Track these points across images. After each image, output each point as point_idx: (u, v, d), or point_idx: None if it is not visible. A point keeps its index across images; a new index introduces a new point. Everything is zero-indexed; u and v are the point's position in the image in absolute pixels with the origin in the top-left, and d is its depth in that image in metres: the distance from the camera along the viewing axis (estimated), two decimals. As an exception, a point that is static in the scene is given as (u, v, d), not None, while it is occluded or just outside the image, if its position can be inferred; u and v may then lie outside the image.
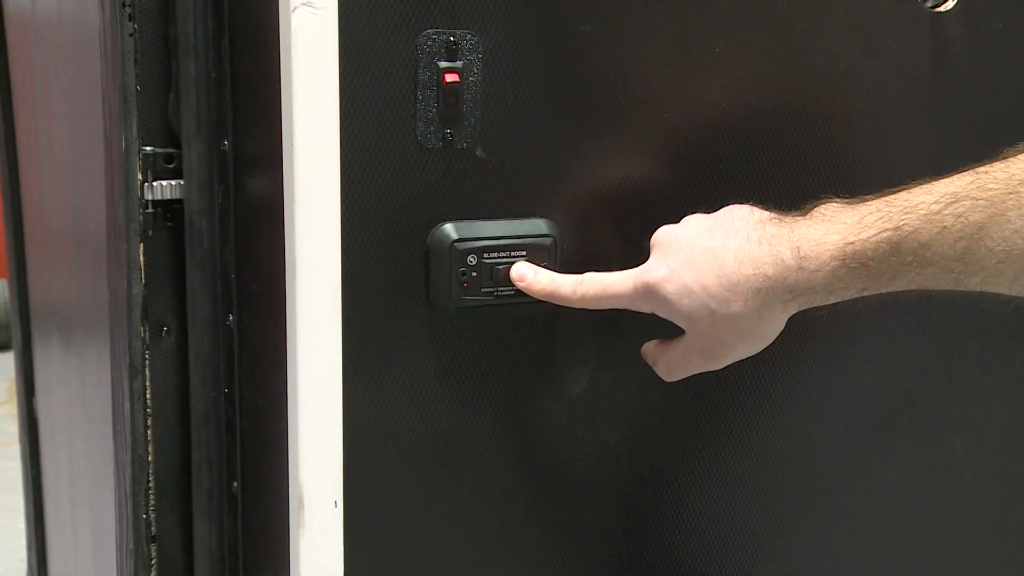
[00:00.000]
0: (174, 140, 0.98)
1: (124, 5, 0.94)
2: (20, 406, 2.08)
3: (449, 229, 0.90)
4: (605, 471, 1.01)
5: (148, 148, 0.97)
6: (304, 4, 0.81)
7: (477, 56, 0.88)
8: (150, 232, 0.98)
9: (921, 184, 0.76)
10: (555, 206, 0.94)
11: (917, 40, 1.03)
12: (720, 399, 1.04)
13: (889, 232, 0.75)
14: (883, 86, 1.03)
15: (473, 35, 0.88)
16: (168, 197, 0.98)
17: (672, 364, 0.90)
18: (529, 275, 0.91)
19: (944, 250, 0.74)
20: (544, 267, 0.92)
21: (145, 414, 1.00)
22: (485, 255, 0.91)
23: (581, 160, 0.94)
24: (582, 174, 0.94)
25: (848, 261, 0.77)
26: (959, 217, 0.73)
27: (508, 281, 0.91)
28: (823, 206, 0.81)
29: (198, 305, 0.98)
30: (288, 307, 0.86)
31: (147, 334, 1.00)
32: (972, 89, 1.07)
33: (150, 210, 0.98)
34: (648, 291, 0.85)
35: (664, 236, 0.87)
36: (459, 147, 0.89)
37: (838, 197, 0.81)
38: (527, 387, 0.96)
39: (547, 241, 0.93)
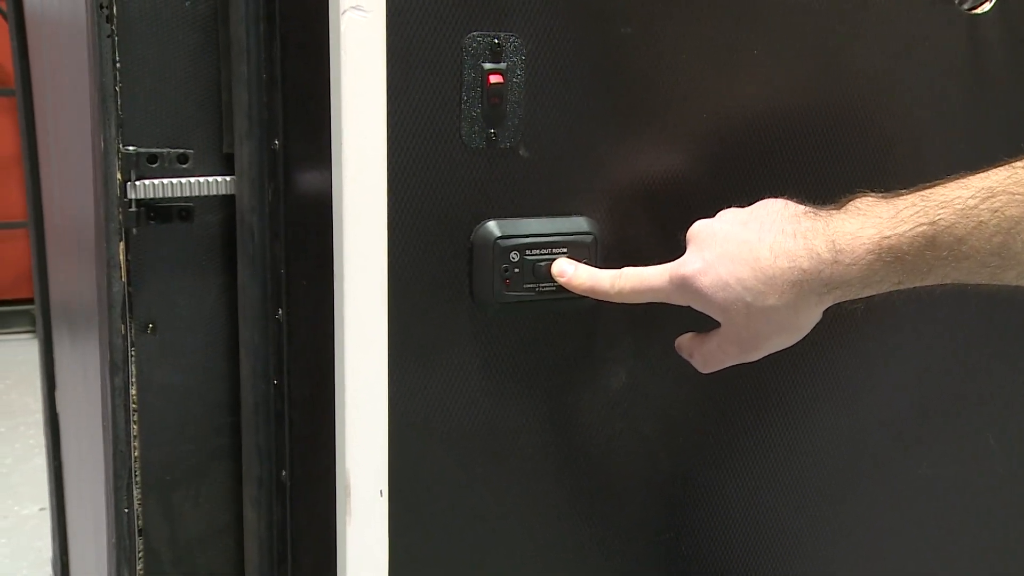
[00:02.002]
0: (159, 140, 0.98)
1: (102, 7, 0.94)
2: (44, 399, 2.12)
3: (492, 226, 0.90)
4: (643, 463, 1.01)
5: (131, 148, 0.96)
6: (353, 7, 0.82)
7: (521, 58, 0.89)
8: (134, 231, 0.98)
9: (957, 179, 0.75)
10: (596, 204, 0.94)
11: (953, 42, 1.02)
12: (755, 393, 1.04)
13: (925, 226, 0.74)
14: (919, 88, 1.02)
15: (517, 37, 0.88)
16: (151, 196, 0.97)
17: (708, 356, 0.90)
18: (570, 271, 0.91)
19: (980, 244, 0.73)
20: (585, 264, 0.92)
21: (127, 410, 1.00)
22: (527, 252, 0.91)
23: (621, 159, 0.94)
24: (622, 173, 0.94)
25: (883, 255, 0.76)
26: (995, 212, 0.72)
27: (549, 277, 0.92)
28: (858, 200, 0.80)
29: (249, 299, 0.99)
30: (336, 301, 0.87)
31: (132, 331, 0.99)
32: (1008, 91, 1.06)
33: (133, 209, 0.97)
34: (684, 284, 0.85)
35: (700, 230, 0.87)
36: (502, 146, 0.90)
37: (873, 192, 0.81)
38: (567, 380, 0.96)
39: (588, 239, 0.93)
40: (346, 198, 0.84)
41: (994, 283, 0.76)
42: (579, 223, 0.93)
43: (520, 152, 0.91)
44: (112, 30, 0.94)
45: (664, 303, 0.88)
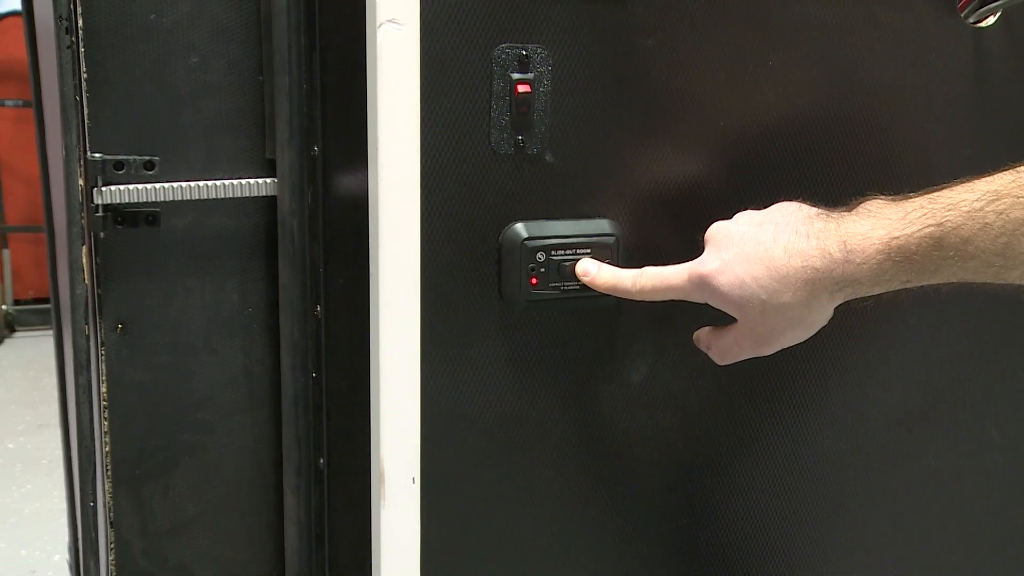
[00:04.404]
0: (127, 147, 0.97)
1: (61, 18, 0.93)
2: (59, 395, 2.13)
3: (520, 228, 0.91)
4: (661, 453, 1.01)
5: (97, 155, 0.96)
6: (389, 21, 0.82)
7: (547, 68, 0.89)
8: (101, 234, 0.97)
9: (963, 182, 0.75)
10: (618, 207, 0.94)
11: (960, 54, 1.02)
12: (770, 387, 1.04)
13: (932, 228, 0.75)
14: (927, 98, 1.02)
15: (544, 49, 0.89)
16: (117, 201, 0.96)
17: (724, 349, 0.90)
18: (593, 270, 0.92)
19: (985, 245, 0.73)
20: (607, 264, 0.93)
21: (91, 407, 0.99)
22: (553, 252, 0.92)
23: (642, 165, 0.94)
24: (643, 178, 0.94)
25: (893, 255, 0.76)
26: (1000, 214, 0.72)
27: (574, 277, 0.92)
28: (868, 202, 0.80)
29: (289, 297, 1.00)
30: (371, 299, 0.88)
31: (101, 331, 0.99)
32: (1012, 99, 1.06)
33: (99, 214, 0.96)
34: (702, 282, 0.85)
35: (717, 231, 0.87)
36: (530, 153, 0.90)
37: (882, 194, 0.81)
38: (590, 374, 0.97)
39: (610, 240, 0.94)
40: (381, 201, 0.85)
41: (999, 282, 0.76)
42: (602, 225, 0.94)
43: (546, 158, 0.91)
44: (72, 41, 0.93)
45: (683, 301, 0.89)
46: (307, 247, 0.99)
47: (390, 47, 0.83)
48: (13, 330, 4.91)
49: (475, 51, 0.87)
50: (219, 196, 1.00)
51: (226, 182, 1.00)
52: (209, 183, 1.00)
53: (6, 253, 4.94)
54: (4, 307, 4.78)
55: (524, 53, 0.88)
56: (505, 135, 0.89)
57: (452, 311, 0.91)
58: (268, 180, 1.01)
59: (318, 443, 1.02)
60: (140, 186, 0.97)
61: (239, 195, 1.01)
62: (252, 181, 1.01)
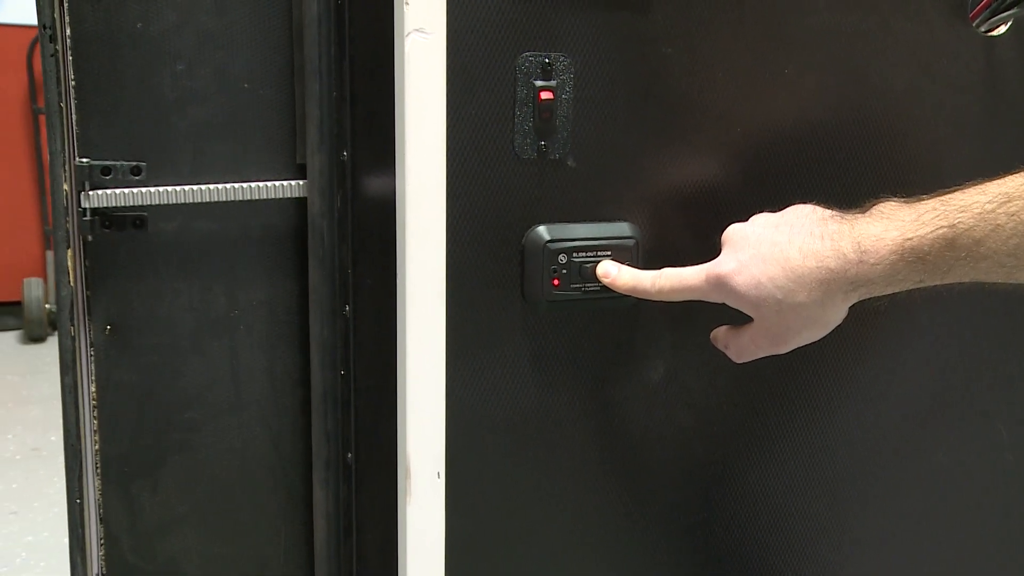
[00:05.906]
0: (115, 153, 0.97)
1: (45, 27, 0.93)
2: None
3: (542, 231, 0.91)
4: (679, 450, 1.01)
5: (84, 160, 0.95)
6: (416, 30, 0.83)
7: (569, 76, 0.89)
8: (89, 237, 0.97)
9: (975, 184, 0.75)
10: (638, 211, 0.94)
11: (971, 62, 1.02)
12: (785, 386, 1.04)
13: (945, 229, 0.74)
14: (938, 104, 1.02)
15: (566, 57, 0.89)
16: (105, 205, 0.96)
17: (742, 348, 0.90)
18: (613, 272, 0.92)
19: (997, 246, 0.73)
20: (627, 265, 0.93)
21: (76, 407, 0.99)
22: (574, 254, 0.92)
23: (662, 170, 0.94)
24: (662, 182, 0.95)
25: (906, 255, 0.76)
26: (1012, 216, 0.72)
27: (595, 278, 0.93)
28: (882, 204, 0.80)
29: (318, 296, 1.00)
30: (398, 299, 0.88)
31: (91, 333, 0.99)
32: (1022, 108, 1.05)
33: (87, 217, 0.96)
34: (719, 283, 0.85)
35: (734, 233, 0.87)
36: (552, 157, 0.90)
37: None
38: (610, 373, 0.97)
39: (630, 242, 0.94)
40: (408, 204, 0.85)
41: (1010, 282, 0.76)
42: (622, 228, 0.94)
43: (568, 163, 0.91)
44: (56, 50, 0.93)
45: (700, 301, 0.89)
46: (336, 248, 0.99)
47: (417, 55, 0.84)
48: (55, 328, 4.95)
49: (499, 59, 0.87)
50: (209, 200, 1.00)
51: (217, 186, 1.00)
52: (200, 187, 1.00)
53: (48, 255, 4.97)
54: (47, 306, 4.81)
55: (547, 61, 0.89)
56: (528, 140, 0.89)
57: (476, 311, 0.91)
58: (261, 184, 1.01)
59: (346, 438, 1.02)
60: (126, 190, 0.97)
61: (232, 199, 1.00)
62: (247, 185, 1.01)
